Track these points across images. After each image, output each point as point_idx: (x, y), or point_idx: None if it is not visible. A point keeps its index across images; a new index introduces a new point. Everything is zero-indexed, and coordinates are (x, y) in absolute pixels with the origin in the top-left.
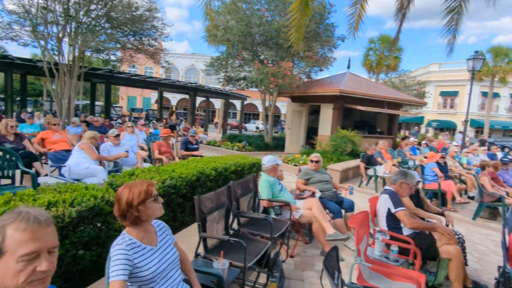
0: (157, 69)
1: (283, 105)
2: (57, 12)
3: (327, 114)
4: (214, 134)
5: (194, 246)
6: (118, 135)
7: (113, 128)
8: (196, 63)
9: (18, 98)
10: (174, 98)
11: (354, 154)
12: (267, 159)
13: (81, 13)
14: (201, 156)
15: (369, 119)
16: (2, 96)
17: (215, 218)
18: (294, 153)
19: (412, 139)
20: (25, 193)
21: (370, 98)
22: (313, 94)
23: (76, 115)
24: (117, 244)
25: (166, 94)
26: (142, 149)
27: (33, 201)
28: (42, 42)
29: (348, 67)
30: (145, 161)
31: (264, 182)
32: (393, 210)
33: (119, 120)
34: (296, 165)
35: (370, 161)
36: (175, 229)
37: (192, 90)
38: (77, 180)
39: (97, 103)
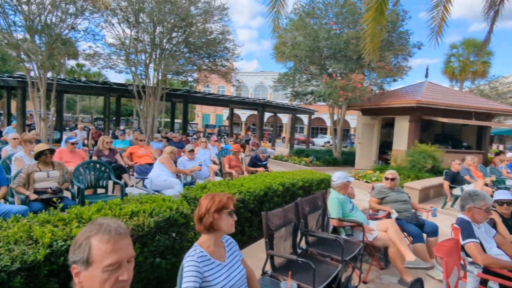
0: (229, 88)
1: (353, 118)
2: (145, 42)
3: (402, 127)
4: (282, 148)
5: (261, 262)
6: (192, 150)
7: (189, 144)
8: (265, 80)
9: (114, 118)
10: (244, 114)
11: (435, 171)
12: (338, 176)
13: (164, 41)
14: (267, 171)
15: (453, 132)
16: (102, 116)
17: (283, 235)
18: (365, 169)
19: (509, 154)
20: (113, 202)
21: (453, 108)
22: (387, 106)
23: (158, 132)
24: (189, 255)
25: (237, 111)
26: (214, 163)
27: (119, 210)
28: (133, 69)
29: (426, 75)
30: (216, 174)
31: (334, 200)
32: (462, 242)
33: (195, 136)
34: (367, 182)
35: (456, 179)
36: (243, 243)
37: (261, 106)
38: (157, 191)
39: (176, 120)
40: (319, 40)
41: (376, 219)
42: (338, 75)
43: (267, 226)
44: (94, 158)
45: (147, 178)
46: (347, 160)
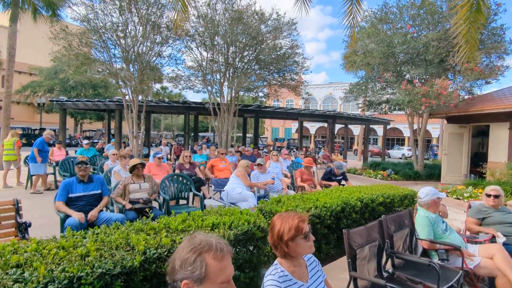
0: (297, 101)
1: (434, 127)
2: (220, 62)
3: (500, 136)
4: (354, 161)
5: (342, 284)
6: (260, 164)
7: (260, 157)
8: (334, 92)
9: (192, 134)
10: (312, 127)
11: None
12: (426, 192)
13: (237, 60)
14: (343, 184)
15: None
16: (182, 132)
17: (366, 256)
18: (454, 183)
19: None
20: (196, 214)
21: None
22: (479, 112)
23: (231, 146)
24: (270, 274)
25: (306, 124)
26: (286, 176)
27: (201, 221)
28: (209, 88)
29: None
30: (288, 187)
31: (422, 219)
32: None
33: (265, 150)
34: (459, 199)
35: None
36: (321, 261)
37: (331, 117)
38: (233, 203)
39: (247, 135)
40: (394, 45)
41: (477, 242)
42: (418, 81)
43: (349, 245)
44: (177, 171)
45: (223, 190)
46: (431, 174)
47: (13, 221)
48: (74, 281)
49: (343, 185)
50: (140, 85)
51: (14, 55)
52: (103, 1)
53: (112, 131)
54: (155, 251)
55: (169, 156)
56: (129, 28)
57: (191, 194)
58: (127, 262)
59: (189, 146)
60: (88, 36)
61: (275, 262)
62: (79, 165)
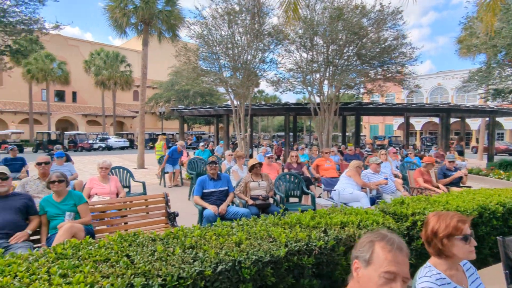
0: (398, 95)
1: None
2: (319, 62)
3: None
4: (474, 160)
5: None
6: (380, 163)
7: (363, 157)
8: (444, 81)
9: (291, 134)
10: (418, 122)
11: None
12: None
13: (337, 57)
14: (469, 187)
15: None
16: (278, 133)
17: None
18: None
19: None
20: (322, 212)
21: None
22: None
23: (332, 145)
24: (425, 276)
25: (410, 119)
26: (396, 176)
27: (329, 219)
28: (309, 88)
29: None
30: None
31: None
32: None
33: (367, 148)
34: None
35: None
36: None
37: (445, 111)
38: (344, 203)
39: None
40: None
41: None
42: None
43: (505, 255)
44: (286, 170)
45: (334, 190)
46: None
47: (163, 211)
48: (236, 264)
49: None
50: (246, 90)
51: (146, 73)
52: (214, 18)
53: (211, 134)
54: (295, 244)
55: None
56: (236, 39)
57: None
58: (275, 252)
59: (289, 146)
60: (202, 51)
61: (427, 264)
62: (211, 165)
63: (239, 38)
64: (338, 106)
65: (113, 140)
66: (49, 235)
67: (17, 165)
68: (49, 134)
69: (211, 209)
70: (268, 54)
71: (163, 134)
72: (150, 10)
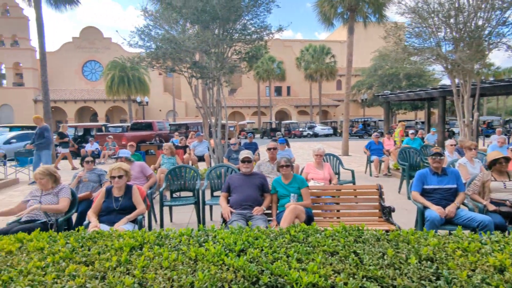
0: None
1: None
2: None
3: None
4: None
5: None
6: None
7: None
8: None
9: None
10: None
11: None
12: None
13: None
14: None
15: None
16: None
17: None
18: None
19: None
20: None
21: None
22: None
23: None
24: None
25: None
26: None
27: None
28: None
29: None
30: None
31: None
32: None
33: None
34: None
35: None
36: None
37: None
38: None
39: None
40: None
41: None
42: None
43: None
44: None
45: None
46: None
47: (377, 203)
48: None
49: None
50: (473, 65)
51: (352, 60)
52: None
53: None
54: None
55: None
56: (461, 1)
57: None
58: None
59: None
60: (415, 26)
61: None
62: (434, 157)
63: (465, 1)
64: None
65: (319, 128)
66: (277, 211)
67: (251, 148)
68: (271, 123)
69: (435, 210)
70: (509, 14)
71: (402, 121)
72: None
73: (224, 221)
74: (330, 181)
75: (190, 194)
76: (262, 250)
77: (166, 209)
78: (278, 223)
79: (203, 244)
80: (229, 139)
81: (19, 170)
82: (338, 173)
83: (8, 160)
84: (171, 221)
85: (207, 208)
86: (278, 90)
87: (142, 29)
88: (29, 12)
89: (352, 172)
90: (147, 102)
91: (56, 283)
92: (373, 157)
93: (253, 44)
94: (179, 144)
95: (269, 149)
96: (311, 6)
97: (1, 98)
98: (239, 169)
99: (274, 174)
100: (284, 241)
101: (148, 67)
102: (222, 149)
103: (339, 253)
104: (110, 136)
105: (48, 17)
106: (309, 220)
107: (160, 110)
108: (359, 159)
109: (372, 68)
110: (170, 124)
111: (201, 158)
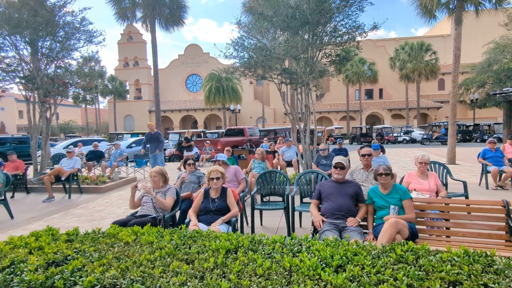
0: None
1: None
2: None
3: None
4: None
5: None
6: None
7: None
8: None
9: None
10: None
11: None
12: None
13: None
14: None
15: None
16: None
17: None
18: None
19: None
20: None
21: None
22: None
23: None
24: None
25: None
26: None
27: None
28: None
29: None
30: None
31: None
32: None
33: None
34: None
35: None
36: None
37: None
38: None
39: None
40: None
41: None
42: None
43: None
44: None
45: None
46: None
47: (503, 223)
48: None
49: None
50: None
51: (459, 55)
52: None
53: None
54: None
55: None
56: None
57: None
58: None
59: None
60: None
61: None
62: None
63: None
64: None
65: (416, 133)
66: (374, 224)
67: (341, 155)
68: (361, 128)
69: None
70: None
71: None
72: None
73: (315, 229)
74: (436, 193)
75: (279, 199)
76: (363, 268)
77: (256, 212)
78: (375, 237)
79: (297, 254)
80: (318, 144)
81: (137, 170)
82: (445, 185)
83: (130, 161)
84: (261, 224)
85: (296, 214)
86: (369, 93)
87: (236, 40)
88: (146, 36)
89: (464, 183)
90: (239, 110)
91: (162, 277)
92: (492, 167)
93: (344, 46)
94: (269, 149)
95: (363, 155)
96: (406, 1)
97: (126, 109)
98: (329, 175)
99: (369, 183)
100: (389, 260)
101: (241, 76)
102: (311, 154)
103: (463, 284)
104: (207, 142)
105: (159, 39)
106: (412, 236)
107: (251, 117)
108: (470, 168)
109: (485, 62)
110: (259, 130)
111: (289, 163)
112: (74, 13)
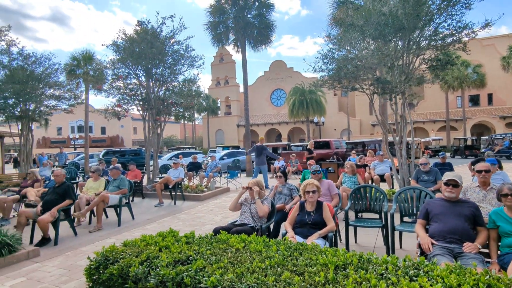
0: None
1: None
2: None
3: None
4: None
5: None
6: None
7: None
8: None
9: None
10: None
11: None
12: None
13: None
14: None
15: None
16: None
17: None
18: None
19: None
20: None
21: None
22: None
23: None
24: None
25: None
26: None
27: None
28: None
29: None
30: None
31: None
32: None
33: None
34: None
35: None
36: None
37: None
38: None
39: None
40: None
41: None
42: None
43: None
44: None
45: None
46: None
47: None
48: None
49: None
50: None
51: None
52: None
53: None
54: None
55: None
56: None
57: None
58: None
59: None
60: None
61: None
62: None
63: None
64: None
65: None
66: (499, 252)
67: (445, 170)
68: (465, 139)
69: None
70: None
71: None
72: None
73: (423, 252)
74: None
75: (374, 215)
76: None
77: (350, 229)
78: (502, 268)
79: (415, 278)
80: (416, 158)
81: (229, 181)
82: None
83: (223, 172)
84: (355, 242)
85: (395, 234)
86: (474, 99)
87: (326, 53)
88: (235, 56)
89: None
90: (323, 122)
91: (275, 286)
92: None
93: (446, 49)
94: (358, 163)
95: (479, 171)
96: None
97: (217, 124)
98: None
99: (488, 203)
100: None
101: (330, 89)
102: (408, 169)
103: None
104: (293, 154)
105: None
106: None
107: (335, 129)
108: None
109: None
110: (346, 143)
111: (381, 178)
112: (180, 42)
